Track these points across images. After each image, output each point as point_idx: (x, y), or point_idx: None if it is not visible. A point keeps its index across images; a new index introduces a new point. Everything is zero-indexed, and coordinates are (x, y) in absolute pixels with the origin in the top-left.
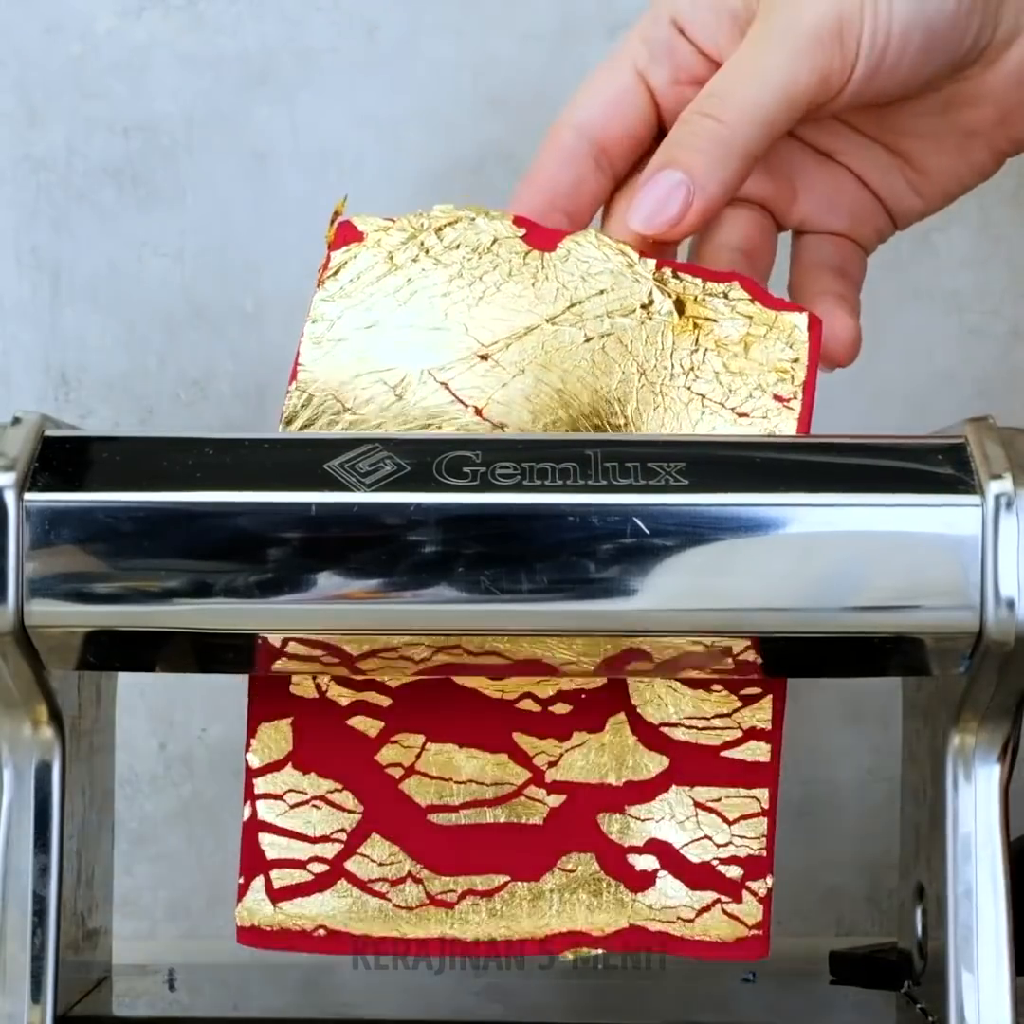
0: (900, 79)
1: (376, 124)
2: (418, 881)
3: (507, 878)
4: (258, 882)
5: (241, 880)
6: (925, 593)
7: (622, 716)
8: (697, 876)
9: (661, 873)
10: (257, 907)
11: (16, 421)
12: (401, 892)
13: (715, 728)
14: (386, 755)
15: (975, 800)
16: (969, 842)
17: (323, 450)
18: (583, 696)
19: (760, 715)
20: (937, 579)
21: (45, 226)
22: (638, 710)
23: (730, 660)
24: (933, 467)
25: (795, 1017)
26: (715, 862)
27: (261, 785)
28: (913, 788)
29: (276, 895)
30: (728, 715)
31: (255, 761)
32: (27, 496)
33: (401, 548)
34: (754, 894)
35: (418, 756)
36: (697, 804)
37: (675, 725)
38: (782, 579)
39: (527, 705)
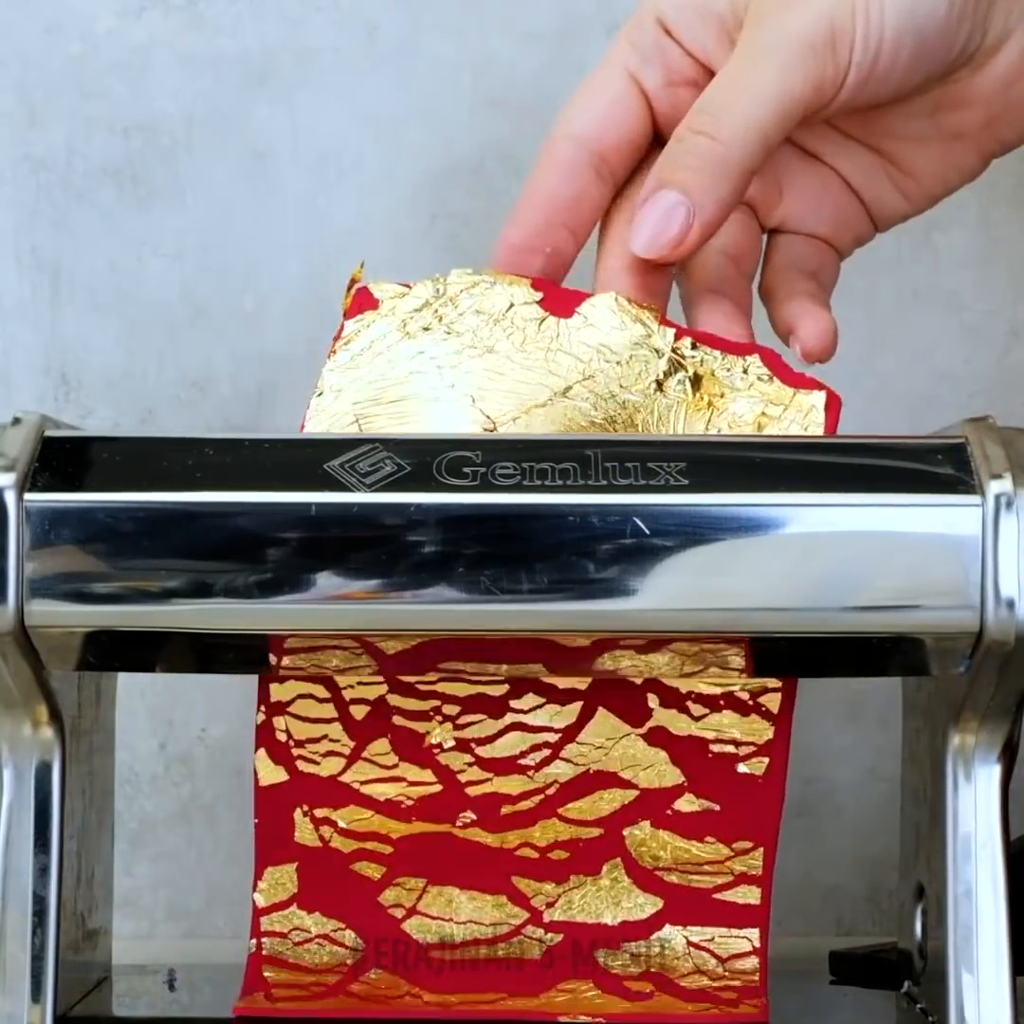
0: (892, 85)
1: (376, 124)
2: (416, 997)
3: (505, 995)
4: (259, 996)
5: (240, 997)
6: (925, 593)
7: (618, 861)
8: (694, 997)
9: (658, 995)
10: (256, 1002)
11: (16, 421)
12: (400, 1002)
13: (707, 873)
14: (388, 897)
15: (975, 800)
16: (969, 842)
17: (323, 450)
18: (580, 844)
19: (751, 862)
20: (937, 579)
21: (45, 226)
22: (633, 856)
23: (730, 660)
24: (933, 467)
25: (795, 1017)
26: (710, 990)
27: (266, 923)
28: (913, 788)
29: (276, 1002)
30: (720, 862)
31: (261, 901)
32: (27, 496)
33: (401, 548)
34: (752, 1008)
35: (419, 898)
36: (690, 943)
37: (669, 869)
38: (782, 579)
39: (525, 853)
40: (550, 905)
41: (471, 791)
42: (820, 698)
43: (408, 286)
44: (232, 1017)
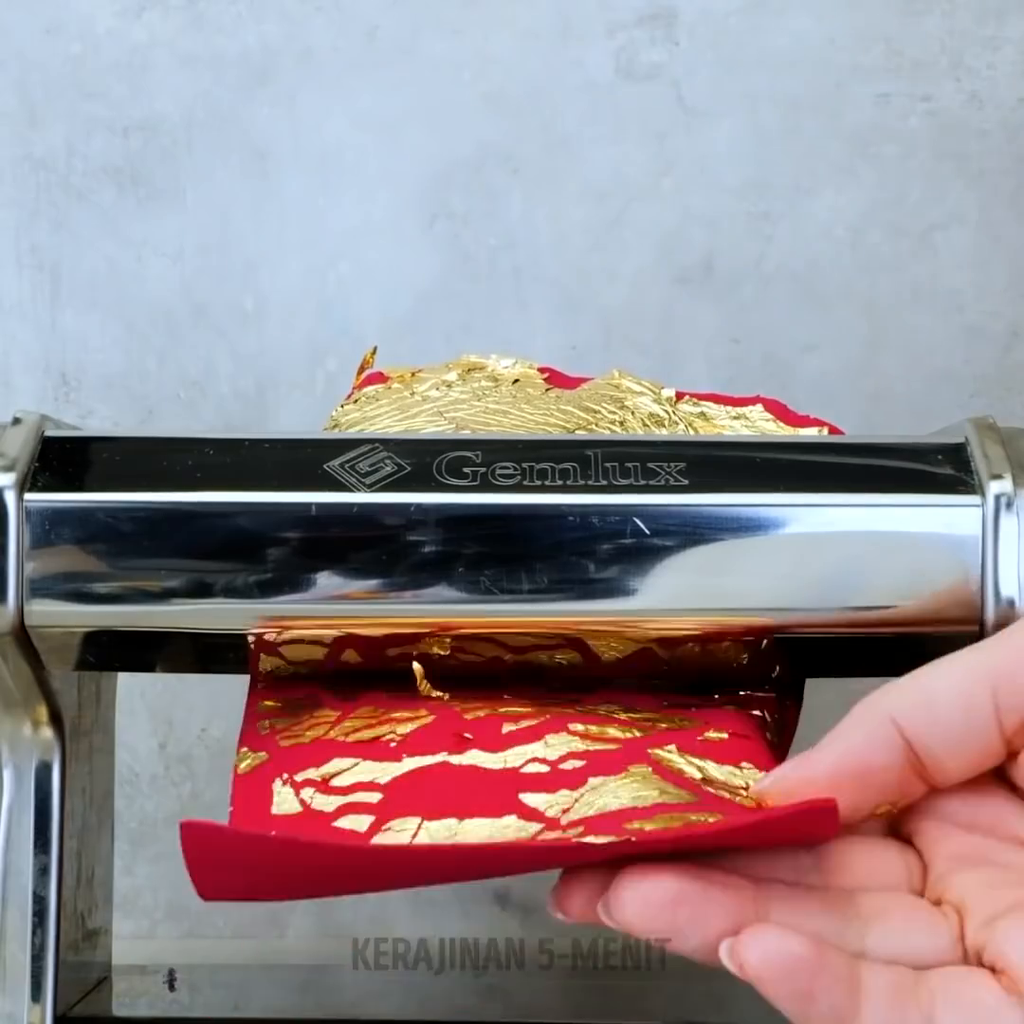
0: None
1: (376, 124)
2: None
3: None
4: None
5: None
6: (925, 593)
7: (645, 765)
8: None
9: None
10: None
11: (16, 421)
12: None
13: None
14: (378, 841)
15: None
16: None
17: (323, 450)
18: (598, 754)
19: None
20: (937, 579)
21: (45, 226)
22: (663, 763)
23: (730, 661)
24: (933, 467)
25: None
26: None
27: None
28: None
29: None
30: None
31: None
32: (27, 496)
33: (401, 548)
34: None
35: (414, 836)
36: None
37: (707, 782)
38: (782, 579)
39: (534, 768)
40: (566, 810)
41: (468, 716)
42: (820, 698)
43: (419, 369)
44: (232, 1017)
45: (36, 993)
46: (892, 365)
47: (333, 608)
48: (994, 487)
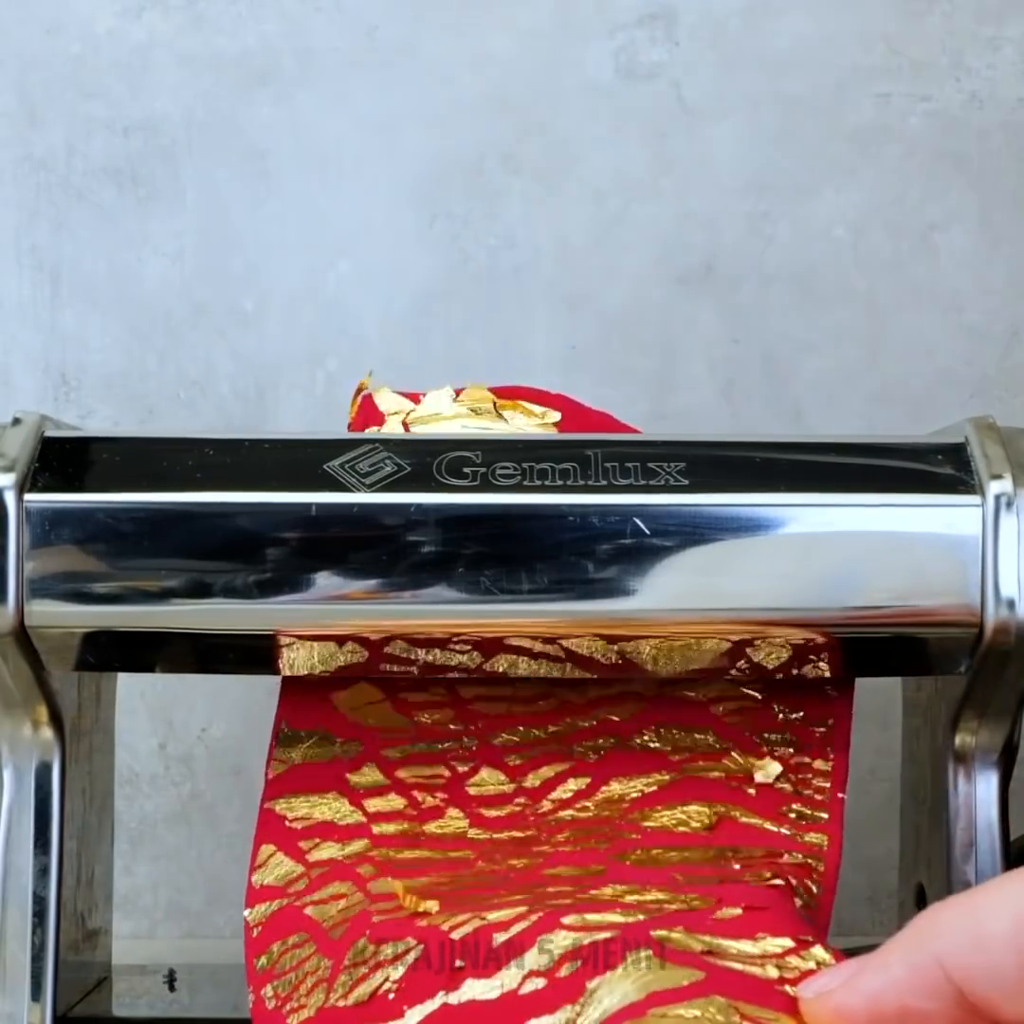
0: None
1: (376, 124)
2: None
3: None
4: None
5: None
6: (925, 593)
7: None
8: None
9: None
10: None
11: (16, 421)
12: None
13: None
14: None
15: (975, 800)
16: (969, 842)
17: (323, 450)
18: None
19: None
20: (937, 579)
21: (45, 226)
22: (666, 944)
23: (731, 661)
24: (933, 467)
25: None
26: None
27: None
28: (913, 788)
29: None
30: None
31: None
32: (27, 496)
33: (401, 548)
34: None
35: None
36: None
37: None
38: (782, 579)
39: (533, 985)
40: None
41: (456, 934)
42: None
43: (416, 398)
44: (232, 1017)
45: (36, 993)
46: (892, 365)
47: (333, 609)
48: (994, 487)
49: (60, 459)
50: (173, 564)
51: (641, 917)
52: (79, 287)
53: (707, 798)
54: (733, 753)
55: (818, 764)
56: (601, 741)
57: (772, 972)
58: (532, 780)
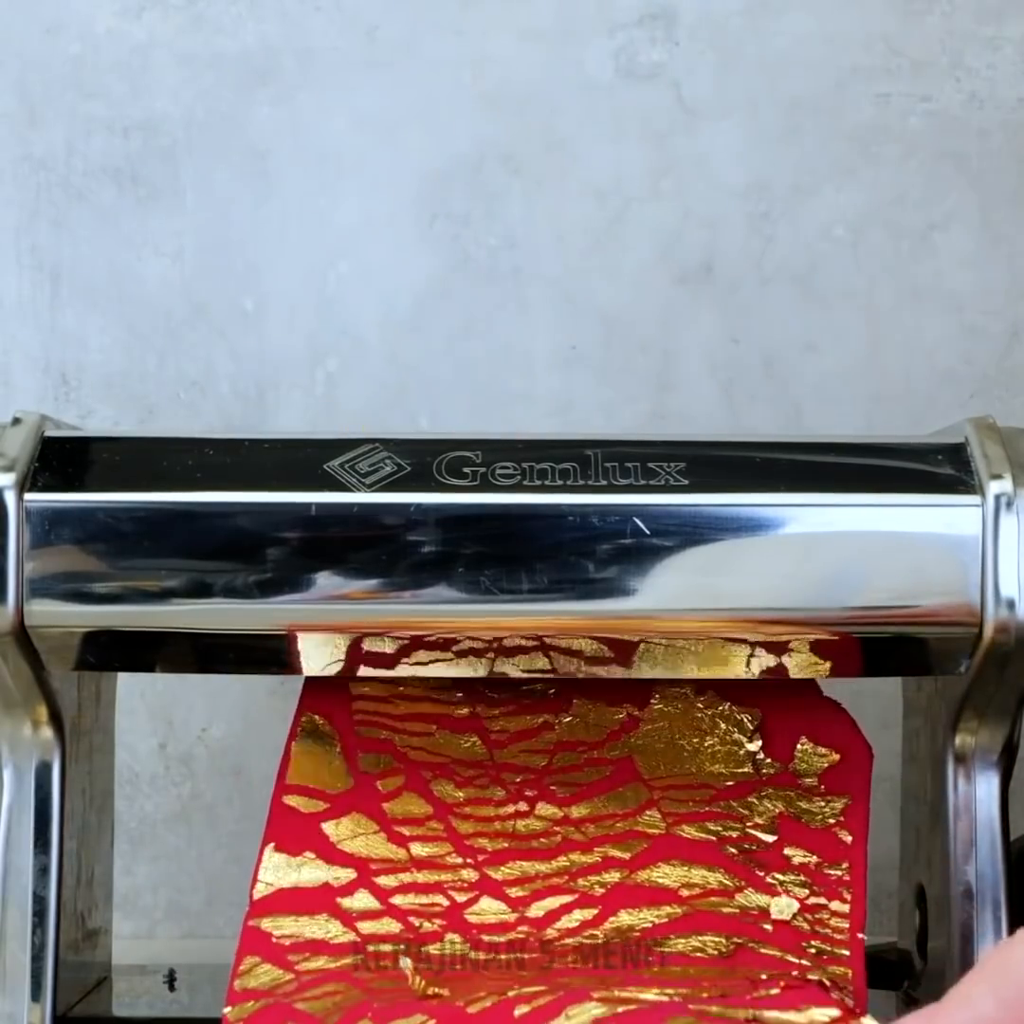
0: None
1: (376, 124)
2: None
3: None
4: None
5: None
6: (926, 593)
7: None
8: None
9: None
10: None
11: (16, 421)
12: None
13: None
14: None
15: (975, 800)
16: (969, 842)
17: (323, 450)
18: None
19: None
20: (937, 579)
21: (45, 226)
22: (705, 1014)
23: (730, 660)
24: (933, 467)
25: None
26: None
27: None
28: (913, 788)
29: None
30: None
31: None
32: (27, 496)
33: (401, 548)
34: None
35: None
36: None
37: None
38: (782, 579)
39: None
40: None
41: (473, 1009)
42: None
43: None
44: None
45: (36, 993)
46: (892, 365)
47: (333, 608)
48: (994, 487)
49: (60, 459)
50: (173, 564)
51: (677, 996)
52: (79, 287)
53: (723, 930)
54: (747, 890)
55: (835, 905)
56: (606, 876)
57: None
58: (535, 910)
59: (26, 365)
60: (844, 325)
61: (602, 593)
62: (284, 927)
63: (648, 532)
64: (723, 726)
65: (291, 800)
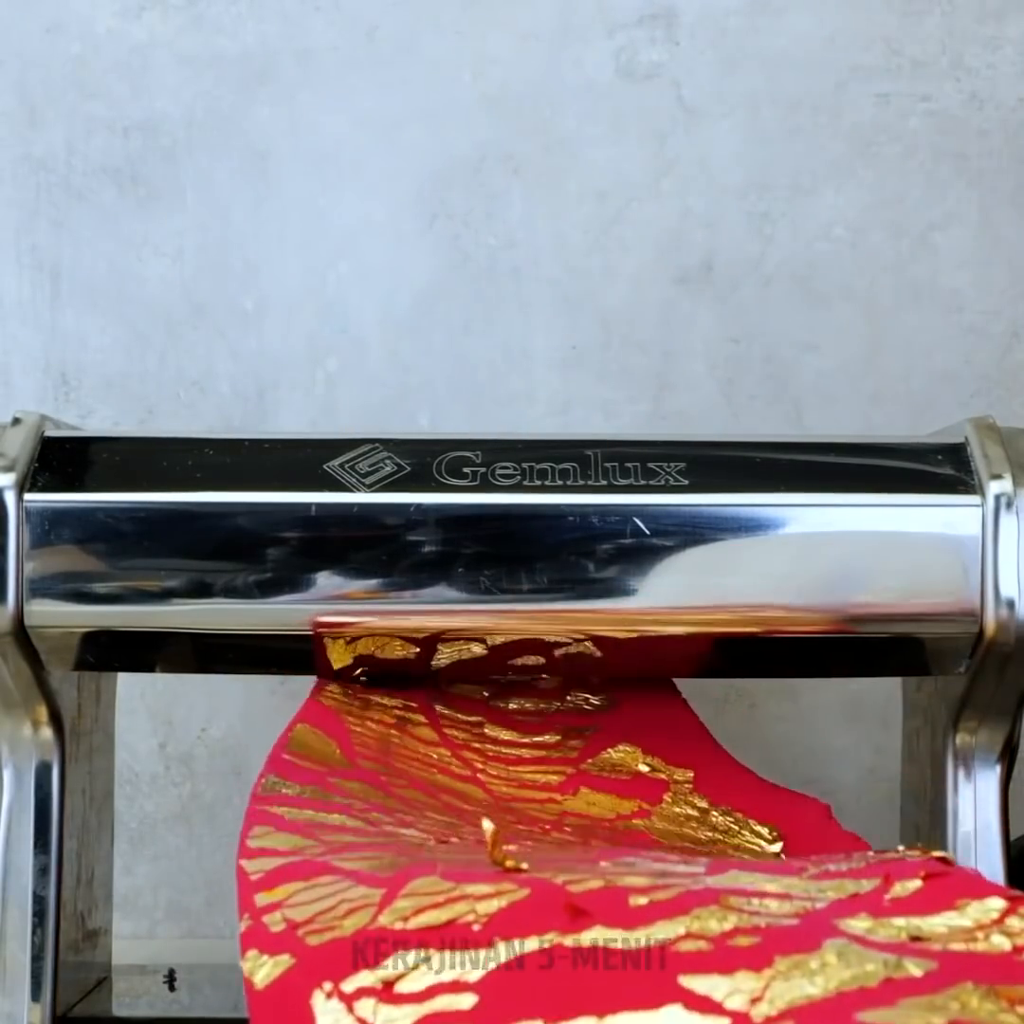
0: None
1: (376, 124)
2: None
3: None
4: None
5: None
6: (926, 593)
7: None
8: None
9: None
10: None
11: (16, 421)
12: None
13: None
14: None
15: (975, 800)
16: (969, 842)
17: (323, 450)
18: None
19: None
20: (938, 579)
21: (45, 226)
22: (861, 936)
23: (730, 660)
24: (933, 467)
25: None
26: None
27: None
28: (913, 788)
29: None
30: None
31: None
32: (27, 496)
33: (401, 548)
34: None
35: None
36: None
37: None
38: (782, 579)
39: (691, 946)
40: (756, 1000)
41: (576, 887)
42: (820, 698)
43: None
44: (232, 1017)
45: (36, 993)
46: (892, 365)
47: (333, 608)
48: (994, 487)
49: (60, 459)
50: (173, 564)
51: (808, 905)
52: (79, 287)
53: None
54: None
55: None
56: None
57: (1003, 942)
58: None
59: (26, 365)
60: (844, 325)
61: (602, 593)
62: (300, 814)
63: (648, 532)
64: (746, 833)
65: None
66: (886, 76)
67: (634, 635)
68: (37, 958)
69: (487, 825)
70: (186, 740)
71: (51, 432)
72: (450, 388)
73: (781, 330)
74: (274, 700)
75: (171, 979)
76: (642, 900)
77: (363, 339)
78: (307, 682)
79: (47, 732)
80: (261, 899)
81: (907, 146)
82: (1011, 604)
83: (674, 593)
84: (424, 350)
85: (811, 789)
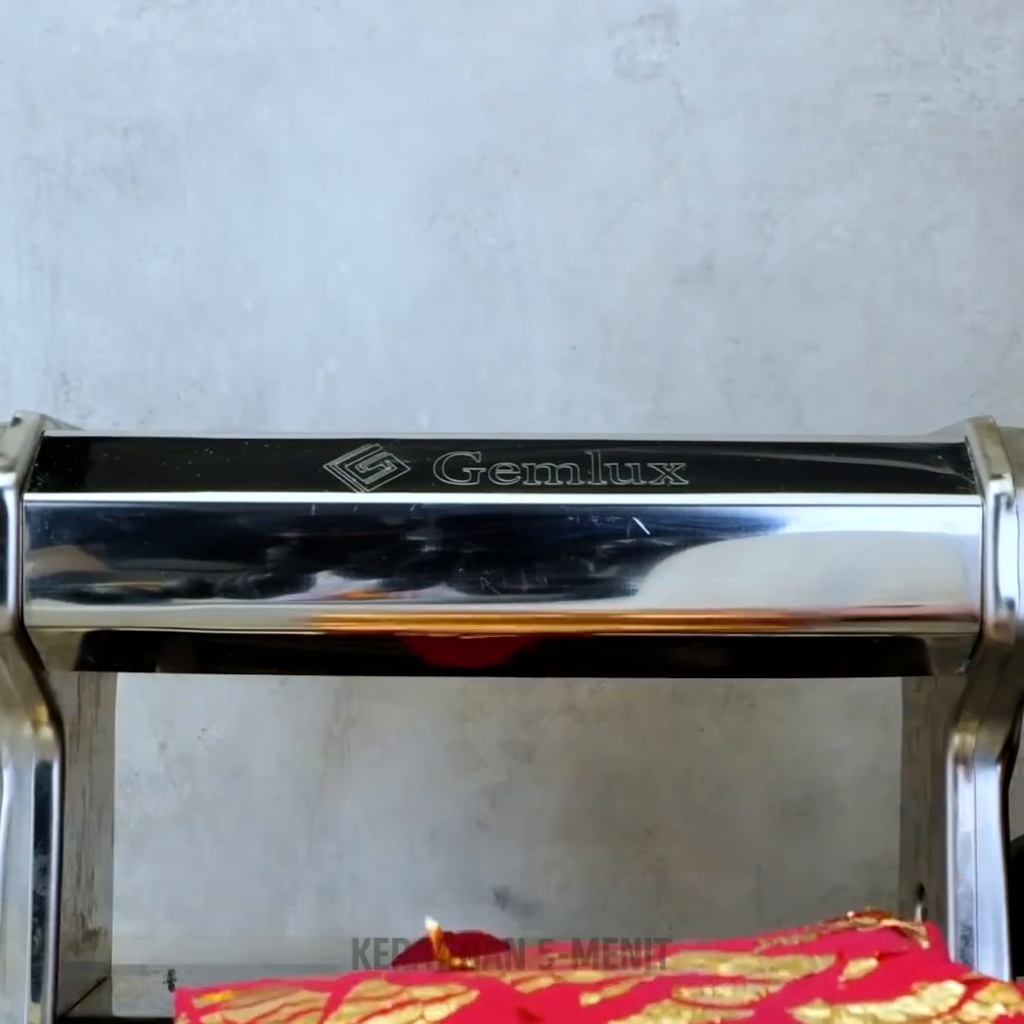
0: None
1: (376, 124)
2: None
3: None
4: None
5: None
6: (925, 593)
7: None
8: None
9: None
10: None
11: (16, 421)
12: None
13: None
14: None
15: (975, 800)
16: (969, 842)
17: (323, 450)
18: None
19: None
20: (937, 579)
21: (45, 226)
22: None
23: (730, 660)
24: (933, 467)
25: None
26: None
27: None
28: (913, 788)
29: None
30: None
31: None
32: (27, 496)
33: (401, 548)
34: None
35: None
36: None
37: None
38: (782, 579)
39: None
40: None
41: (524, 987)
42: (820, 698)
43: None
44: None
45: (36, 993)
46: (892, 365)
47: (332, 608)
48: (994, 487)
49: (60, 459)
50: (173, 564)
51: (762, 991)
52: (79, 287)
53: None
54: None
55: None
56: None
57: None
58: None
59: (26, 365)
60: (844, 325)
61: (602, 593)
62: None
63: (648, 532)
64: None
65: None
66: (886, 76)
67: (634, 635)
68: (37, 958)
69: (430, 924)
70: (186, 740)
71: (51, 432)
72: (450, 388)
73: (781, 330)
74: (274, 700)
75: (171, 979)
76: (593, 998)
77: (363, 339)
78: (307, 682)
79: (47, 732)
80: (200, 1001)
81: (907, 146)
82: (1011, 604)
83: (674, 593)
84: (424, 350)
85: (811, 789)
